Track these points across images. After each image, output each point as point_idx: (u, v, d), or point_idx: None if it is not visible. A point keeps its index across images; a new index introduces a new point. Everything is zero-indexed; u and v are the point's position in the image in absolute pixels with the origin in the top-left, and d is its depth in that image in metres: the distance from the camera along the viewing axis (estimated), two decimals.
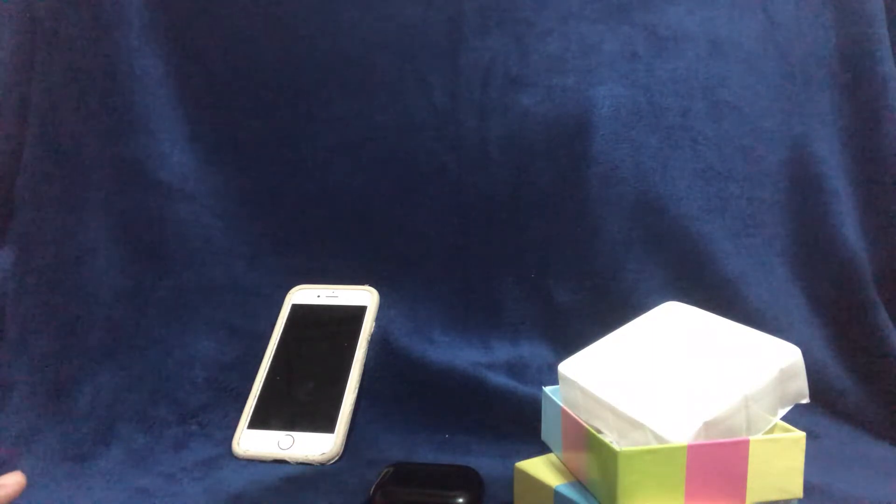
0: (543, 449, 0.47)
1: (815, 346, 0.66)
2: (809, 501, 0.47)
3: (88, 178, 0.68)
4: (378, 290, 0.68)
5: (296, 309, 0.68)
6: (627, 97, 0.69)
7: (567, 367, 0.44)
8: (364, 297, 0.67)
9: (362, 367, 0.63)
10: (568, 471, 0.43)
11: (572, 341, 0.59)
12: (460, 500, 0.46)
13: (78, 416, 0.60)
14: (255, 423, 0.60)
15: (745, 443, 0.37)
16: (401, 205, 0.71)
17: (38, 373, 0.62)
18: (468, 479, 0.49)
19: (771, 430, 0.40)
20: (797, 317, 0.67)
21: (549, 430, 0.46)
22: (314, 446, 0.57)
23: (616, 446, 0.37)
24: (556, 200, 0.69)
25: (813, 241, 0.68)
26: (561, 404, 0.44)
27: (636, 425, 0.38)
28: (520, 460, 0.46)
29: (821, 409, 0.63)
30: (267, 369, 0.64)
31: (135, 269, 0.68)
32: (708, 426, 0.37)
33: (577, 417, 0.42)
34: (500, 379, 0.64)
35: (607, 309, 0.67)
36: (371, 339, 0.65)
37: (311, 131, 0.71)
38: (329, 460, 0.57)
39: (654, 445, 0.37)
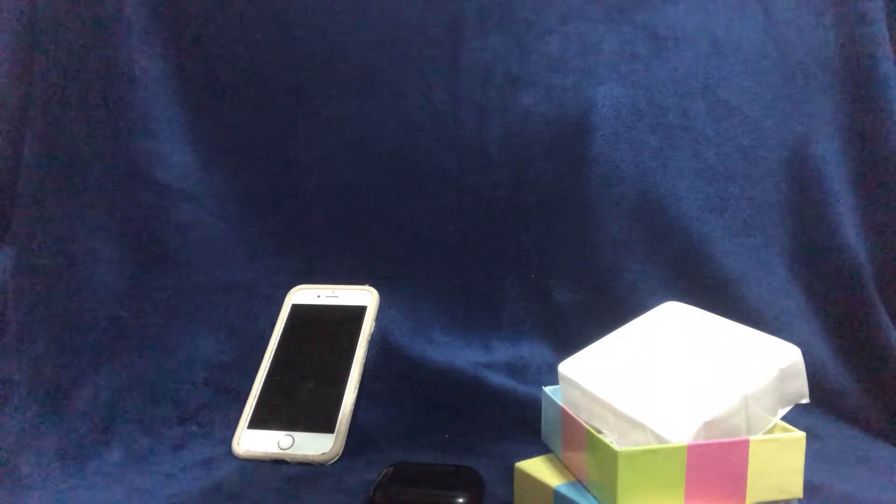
0: (543, 449, 0.47)
1: (815, 346, 0.66)
2: (809, 501, 0.47)
3: (88, 178, 0.68)
4: (378, 290, 0.68)
5: (296, 309, 0.68)
6: (627, 97, 0.69)
7: (567, 367, 0.44)
8: (364, 297, 0.67)
9: (362, 367, 0.63)
10: (568, 471, 0.43)
11: (572, 341, 0.59)
12: (460, 500, 0.46)
13: (78, 415, 0.60)
14: (255, 423, 0.60)
15: (745, 443, 0.37)
16: (401, 205, 0.71)
17: (38, 373, 0.62)
18: (468, 479, 0.49)
19: (771, 430, 0.40)
20: (797, 317, 0.67)
21: (549, 430, 0.46)
22: (314, 446, 0.57)
23: (616, 446, 0.37)
24: (556, 200, 0.69)
25: (813, 241, 0.68)
26: (561, 404, 0.44)
27: (636, 425, 0.38)
28: (520, 460, 0.46)
29: (821, 409, 0.63)
30: (267, 369, 0.64)
31: (135, 269, 0.68)
32: (708, 426, 0.37)
33: (577, 417, 0.42)
34: (500, 379, 0.64)
35: (607, 309, 0.67)
36: (371, 339, 0.65)
37: (311, 131, 0.71)
38: (329, 460, 0.57)
39: (654, 445, 0.37)
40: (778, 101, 0.70)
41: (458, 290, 0.70)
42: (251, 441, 0.59)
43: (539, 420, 0.47)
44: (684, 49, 0.69)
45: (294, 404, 0.61)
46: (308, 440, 0.58)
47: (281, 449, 0.58)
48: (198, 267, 0.70)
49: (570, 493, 0.40)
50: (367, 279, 0.69)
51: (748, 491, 0.38)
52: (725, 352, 0.41)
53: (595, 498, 0.39)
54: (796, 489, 0.39)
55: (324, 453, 0.57)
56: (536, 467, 0.44)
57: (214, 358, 0.67)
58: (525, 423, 0.60)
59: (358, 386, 0.62)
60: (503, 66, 0.70)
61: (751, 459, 0.37)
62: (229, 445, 0.59)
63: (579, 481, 0.41)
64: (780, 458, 0.38)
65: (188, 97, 0.71)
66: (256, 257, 0.71)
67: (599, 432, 0.40)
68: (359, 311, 0.66)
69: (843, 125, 0.70)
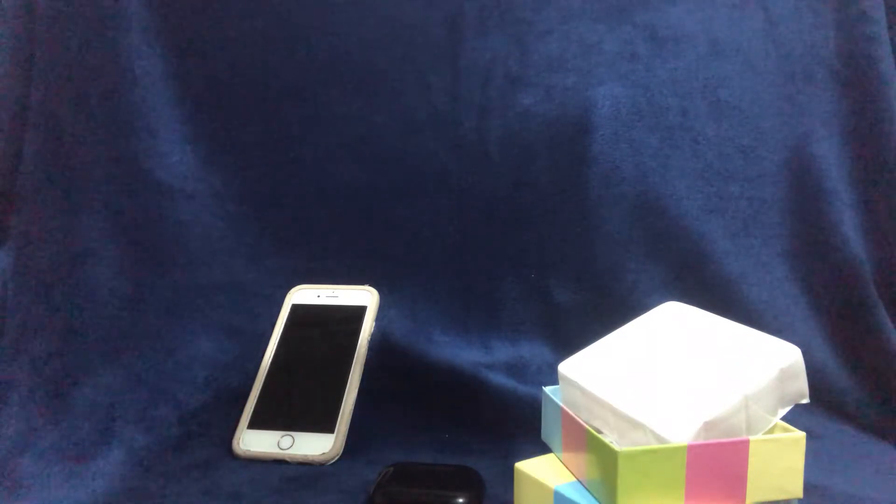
0: (543, 449, 0.47)
1: (815, 346, 0.66)
2: (809, 501, 0.47)
3: (88, 178, 0.68)
4: (378, 290, 0.68)
5: (296, 309, 0.68)
6: (627, 97, 0.69)
7: (567, 367, 0.44)
8: (364, 297, 0.67)
9: (362, 367, 0.63)
10: (568, 471, 0.43)
11: (572, 341, 0.59)
12: (460, 500, 0.46)
13: (78, 416, 0.60)
14: (255, 422, 0.60)
15: (745, 443, 0.37)
16: (401, 205, 0.71)
17: (38, 373, 0.62)
18: (468, 479, 0.49)
19: (771, 430, 0.40)
20: (797, 317, 0.67)
21: (549, 430, 0.46)
22: (314, 446, 0.57)
23: (616, 446, 0.37)
24: (556, 200, 0.69)
25: (813, 241, 0.68)
26: (561, 404, 0.44)
27: (636, 425, 0.38)
28: (520, 460, 0.46)
29: (821, 409, 0.63)
30: (267, 369, 0.64)
31: (135, 269, 0.68)
32: (708, 426, 0.37)
33: (577, 417, 0.42)
34: (500, 379, 0.64)
35: (607, 309, 0.67)
36: (371, 339, 0.65)
37: (311, 131, 0.71)
38: (329, 460, 0.57)
39: (654, 445, 0.37)
40: (778, 101, 0.70)
41: (458, 290, 0.70)
42: (251, 441, 0.59)
43: (539, 420, 0.47)
44: (684, 49, 0.69)
45: (294, 404, 0.61)
46: (308, 440, 0.58)
47: (281, 449, 0.58)
48: (198, 267, 0.70)
49: (570, 493, 0.40)
50: (367, 279, 0.69)
51: (748, 491, 0.38)
52: (725, 352, 0.41)
53: (595, 498, 0.39)
54: (796, 489, 0.39)
55: (324, 453, 0.57)
56: (536, 467, 0.44)
57: (214, 358, 0.67)
58: (525, 423, 0.60)
59: (358, 386, 0.62)
60: (503, 66, 0.70)
61: (751, 459, 0.37)
62: (229, 445, 0.59)
63: (579, 481, 0.41)
64: (780, 458, 0.38)
65: (188, 97, 0.71)
66: (256, 257, 0.71)
67: (599, 432, 0.40)
68: (359, 311, 0.66)
69: (843, 125, 0.70)
